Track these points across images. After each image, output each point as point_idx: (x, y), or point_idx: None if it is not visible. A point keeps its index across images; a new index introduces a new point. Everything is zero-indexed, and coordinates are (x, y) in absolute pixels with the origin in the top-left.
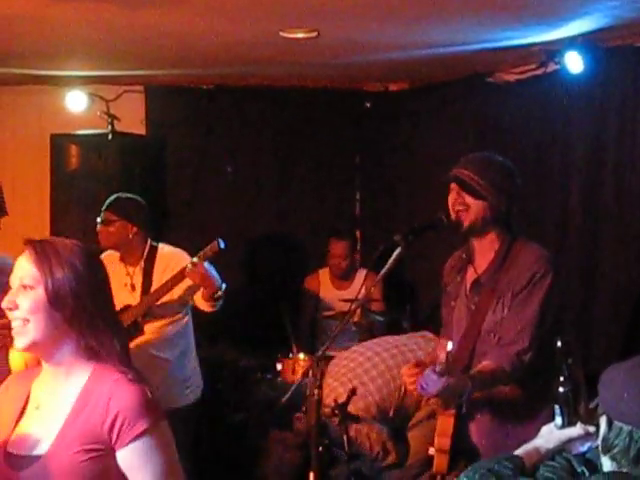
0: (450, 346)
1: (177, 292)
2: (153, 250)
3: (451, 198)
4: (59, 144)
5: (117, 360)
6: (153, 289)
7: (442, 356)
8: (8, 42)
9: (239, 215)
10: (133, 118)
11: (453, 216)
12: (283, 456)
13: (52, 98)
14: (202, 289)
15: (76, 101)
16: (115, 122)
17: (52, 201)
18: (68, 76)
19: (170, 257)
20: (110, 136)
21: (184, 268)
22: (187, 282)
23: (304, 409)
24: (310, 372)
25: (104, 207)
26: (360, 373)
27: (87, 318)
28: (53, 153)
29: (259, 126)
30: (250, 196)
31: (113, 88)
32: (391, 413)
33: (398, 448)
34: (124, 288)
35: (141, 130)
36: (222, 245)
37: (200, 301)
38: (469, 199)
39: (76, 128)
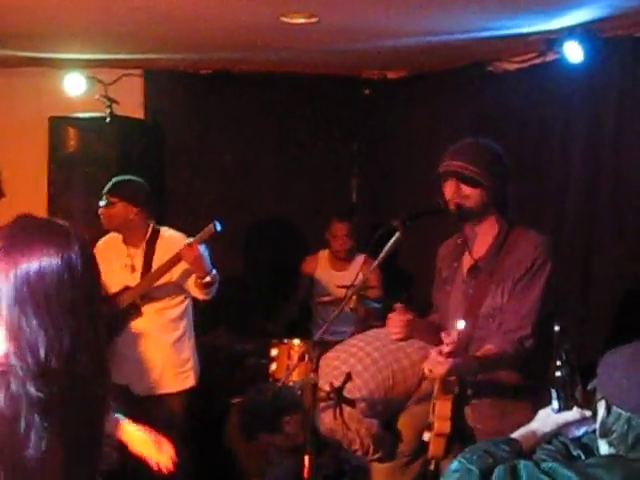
0: (462, 325)
1: (175, 274)
2: (155, 233)
3: (448, 191)
4: (57, 127)
5: None
6: (152, 271)
7: (451, 336)
8: (6, 24)
9: (237, 200)
10: (131, 102)
11: (452, 207)
12: (283, 463)
13: (50, 81)
14: (194, 275)
15: (75, 84)
16: (114, 106)
17: (50, 184)
18: (67, 59)
19: (171, 240)
20: (108, 119)
21: (180, 249)
22: (184, 265)
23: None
24: (306, 356)
25: (105, 190)
26: (345, 370)
27: None
28: (51, 136)
29: (258, 112)
30: (248, 181)
31: (112, 71)
32: (380, 407)
33: (389, 440)
34: (124, 269)
35: (139, 114)
36: (218, 228)
37: (193, 287)
38: (467, 189)
39: (74, 111)
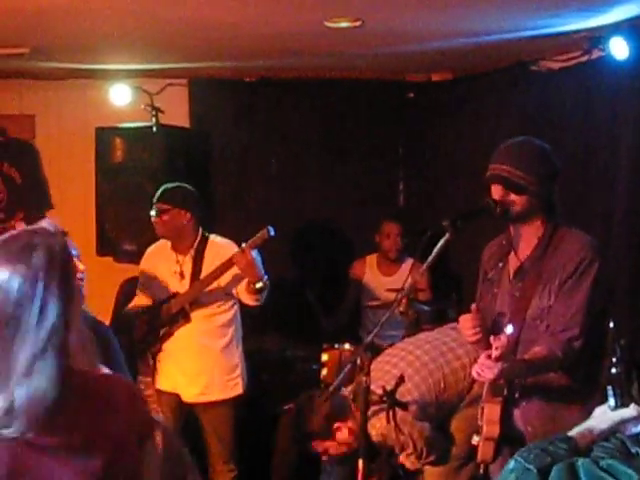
0: (510, 329)
1: (224, 280)
2: (204, 240)
3: (495, 195)
4: (104, 137)
5: None
6: (202, 277)
7: (501, 340)
8: (52, 36)
9: (284, 206)
10: (177, 111)
11: (498, 210)
12: (334, 470)
13: (96, 92)
14: (246, 280)
15: (120, 94)
16: (159, 115)
17: (97, 194)
18: (112, 70)
19: (221, 247)
20: (154, 129)
21: (233, 254)
22: (234, 271)
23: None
24: (358, 360)
25: (157, 197)
26: (396, 373)
27: None
28: (98, 146)
29: (302, 118)
30: (294, 187)
31: (157, 81)
32: (432, 409)
33: (442, 443)
34: (173, 276)
35: (185, 123)
36: (272, 233)
37: (243, 293)
38: (513, 196)
39: (120, 121)
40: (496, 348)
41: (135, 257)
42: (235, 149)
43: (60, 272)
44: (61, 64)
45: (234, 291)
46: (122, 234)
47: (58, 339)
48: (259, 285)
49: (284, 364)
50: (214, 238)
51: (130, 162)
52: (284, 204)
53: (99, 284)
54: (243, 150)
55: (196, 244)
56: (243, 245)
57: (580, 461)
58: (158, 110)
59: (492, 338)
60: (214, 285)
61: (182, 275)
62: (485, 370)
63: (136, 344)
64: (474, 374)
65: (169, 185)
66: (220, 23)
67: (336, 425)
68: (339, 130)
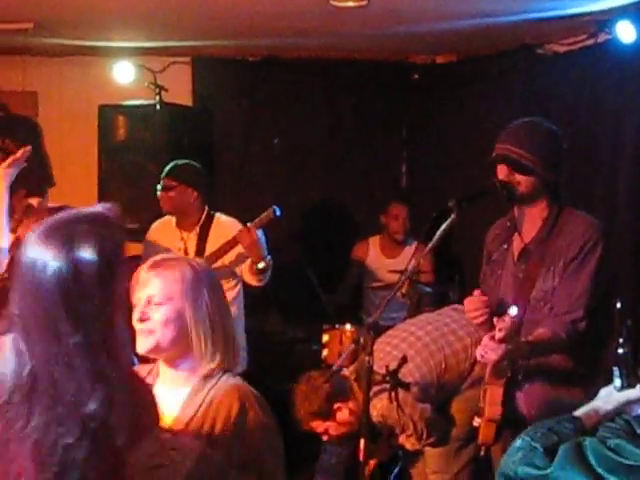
0: (514, 311)
1: (228, 259)
2: (210, 218)
3: (500, 174)
4: (107, 115)
5: None
6: (206, 255)
7: (505, 322)
8: (55, 12)
9: (286, 186)
10: (180, 90)
11: (503, 190)
12: (340, 452)
13: (100, 69)
14: (249, 260)
15: (123, 72)
16: (162, 93)
17: (100, 172)
18: (116, 47)
19: (226, 225)
20: (158, 107)
21: (237, 233)
22: (238, 249)
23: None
24: (361, 339)
25: (165, 173)
26: (397, 354)
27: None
28: (101, 124)
29: (306, 97)
30: (297, 167)
31: (161, 59)
32: (433, 391)
33: (442, 424)
34: (177, 252)
35: (188, 102)
36: (277, 213)
37: (247, 274)
38: (519, 177)
39: (123, 99)
40: (500, 330)
41: (137, 235)
42: (238, 128)
43: None
44: (65, 40)
45: (238, 270)
46: (124, 212)
47: None
48: (261, 265)
49: (285, 345)
50: (219, 217)
51: (133, 140)
52: (286, 184)
53: None
54: (246, 129)
55: (201, 222)
56: (248, 224)
57: (587, 440)
58: (161, 88)
59: (495, 320)
60: (218, 263)
61: (186, 252)
62: (489, 352)
63: None
64: (478, 356)
65: (178, 161)
66: (225, 0)
67: (337, 405)
68: (342, 111)
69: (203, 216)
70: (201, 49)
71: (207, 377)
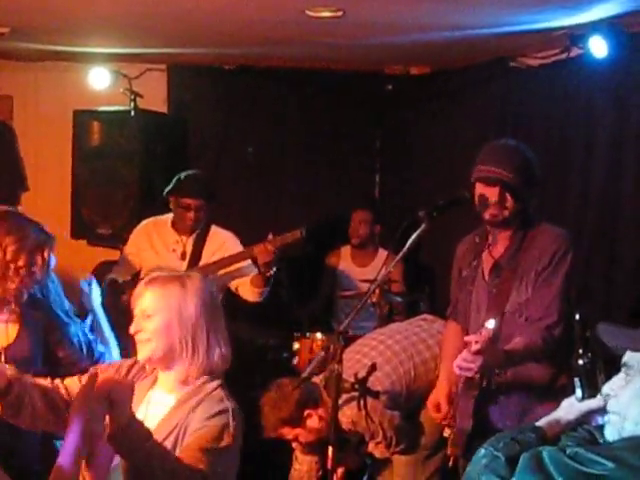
0: (492, 324)
1: (224, 271)
2: (207, 225)
3: (490, 195)
4: (81, 120)
5: None
6: (202, 263)
7: (482, 335)
8: (31, 18)
9: (259, 195)
10: (155, 97)
11: (478, 207)
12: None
13: (75, 75)
14: (251, 276)
15: (99, 78)
16: (137, 100)
17: (74, 177)
18: (91, 53)
19: (225, 238)
20: (132, 113)
21: (257, 245)
22: (239, 265)
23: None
24: (331, 347)
25: (188, 192)
26: (367, 362)
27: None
28: (75, 129)
29: (280, 107)
30: (271, 176)
31: (136, 66)
32: (402, 399)
33: (411, 432)
34: (172, 253)
35: (163, 109)
36: (303, 234)
37: (248, 289)
38: (509, 200)
39: (98, 105)
40: (476, 342)
41: (109, 241)
42: (212, 136)
43: None
44: (41, 45)
45: (232, 285)
46: (97, 218)
47: None
48: (269, 274)
49: (255, 352)
50: (216, 227)
51: (107, 146)
52: (260, 193)
53: (72, 267)
54: (220, 137)
55: (199, 229)
56: (270, 237)
57: (547, 449)
58: (137, 94)
59: (470, 337)
60: (215, 273)
61: (183, 256)
62: (465, 365)
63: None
64: (455, 369)
65: (195, 175)
66: (201, 9)
67: (306, 412)
68: (317, 120)
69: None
70: (177, 56)
71: (196, 388)
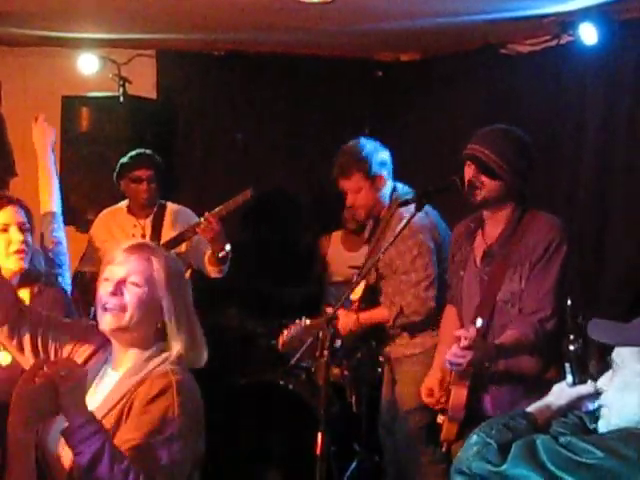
0: (480, 323)
1: (184, 247)
2: (162, 206)
3: (467, 174)
4: (70, 106)
5: None
6: (162, 242)
7: (470, 333)
8: (20, 3)
9: (249, 182)
10: (144, 82)
11: (466, 190)
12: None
13: (64, 60)
14: (208, 251)
15: (88, 63)
16: (126, 85)
17: (62, 163)
18: (80, 38)
19: (179, 213)
20: (121, 99)
21: (198, 222)
22: (196, 238)
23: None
24: (320, 334)
25: (135, 164)
26: None
27: None
28: (64, 115)
29: (270, 93)
30: (260, 162)
31: (125, 51)
32: None
33: None
34: (132, 238)
35: (152, 94)
36: (253, 193)
37: (207, 265)
38: (485, 179)
39: (87, 90)
40: (465, 338)
41: None
42: (201, 123)
43: None
44: (29, 31)
45: (194, 261)
46: (86, 204)
47: None
48: (222, 254)
49: (244, 339)
50: (172, 205)
51: (96, 131)
52: (249, 179)
53: None
54: (209, 124)
55: (155, 209)
56: (214, 211)
57: (540, 438)
58: (125, 80)
59: (460, 332)
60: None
61: (143, 238)
62: (455, 359)
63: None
64: (446, 365)
65: (141, 151)
66: None
67: None
68: (306, 107)
69: (157, 203)
70: (166, 42)
71: (142, 363)
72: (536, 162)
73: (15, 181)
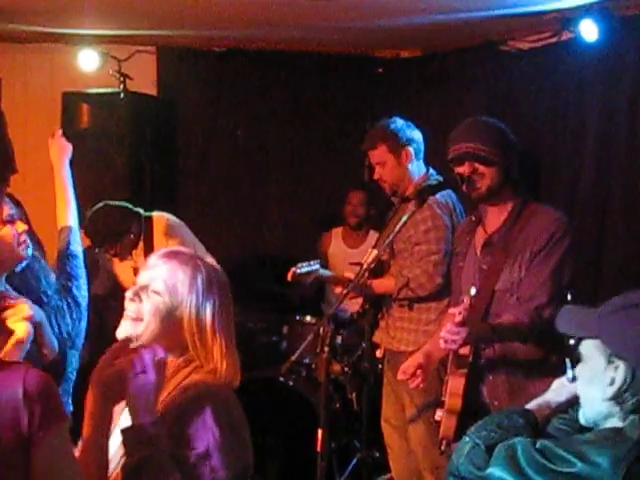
0: (473, 291)
1: None
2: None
3: (464, 172)
4: (70, 102)
5: None
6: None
7: (464, 302)
8: None
9: (249, 177)
10: (145, 79)
11: (469, 186)
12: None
13: (64, 56)
14: None
15: (88, 60)
16: (127, 82)
17: None
18: (80, 34)
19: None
20: (122, 95)
21: None
22: None
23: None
24: (320, 330)
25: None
26: None
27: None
28: (64, 111)
29: (270, 89)
30: (260, 159)
31: (126, 48)
32: None
33: None
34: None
35: (152, 91)
36: None
37: None
38: (482, 168)
39: (88, 87)
40: (459, 312)
41: None
42: (202, 119)
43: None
44: (29, 27)
45: None
46: (86, 200)
47: None
48: None
49: (245, 336)
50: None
51: (96, 128)
52: (250, 174)
53: None
54: (210, 120)
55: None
56: None
57: (521, 442)
58: (126, 77)
59: (451, 309)
60: None
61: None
62: (451, 337)
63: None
64: (441, 343)
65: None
66: None
67: None
68: (306, 103)
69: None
70: (167, 39)
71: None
72: (516, 143)
73: (15, 178)
